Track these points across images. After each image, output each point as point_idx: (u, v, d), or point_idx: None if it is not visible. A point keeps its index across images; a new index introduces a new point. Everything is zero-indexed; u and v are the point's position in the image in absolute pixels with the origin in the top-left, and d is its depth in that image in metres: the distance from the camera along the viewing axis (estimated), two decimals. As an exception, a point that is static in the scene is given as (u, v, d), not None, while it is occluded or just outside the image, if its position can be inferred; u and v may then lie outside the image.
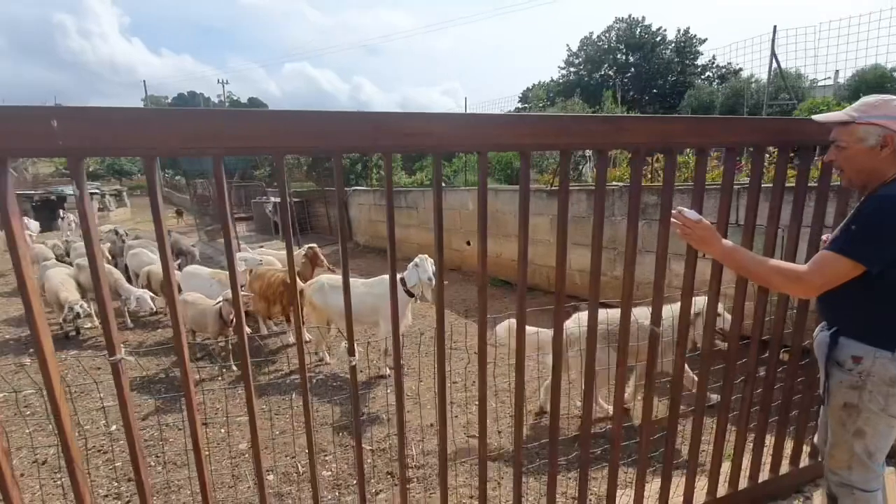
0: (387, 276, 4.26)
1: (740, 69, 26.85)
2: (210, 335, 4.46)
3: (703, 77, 32.92)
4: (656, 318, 1.66)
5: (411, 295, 4.13)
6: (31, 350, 5.07)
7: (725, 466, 2.11)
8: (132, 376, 4.19)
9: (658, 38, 34.25)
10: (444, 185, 11.32)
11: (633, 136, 1.42)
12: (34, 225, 11.19)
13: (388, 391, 3.96)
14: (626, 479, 2.53)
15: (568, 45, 37.07)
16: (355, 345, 1.52)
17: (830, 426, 1.60)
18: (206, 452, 3.04)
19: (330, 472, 2.93)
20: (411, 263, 4.11)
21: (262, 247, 8.16)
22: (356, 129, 1.24)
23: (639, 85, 33.80)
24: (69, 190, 17.81)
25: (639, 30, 34.54)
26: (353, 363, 1.47)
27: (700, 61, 33.88)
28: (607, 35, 35.50)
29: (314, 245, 5.51)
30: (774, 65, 16.38)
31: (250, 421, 1.37)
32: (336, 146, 1.25)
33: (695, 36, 33.94)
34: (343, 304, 4.84)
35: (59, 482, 2.84)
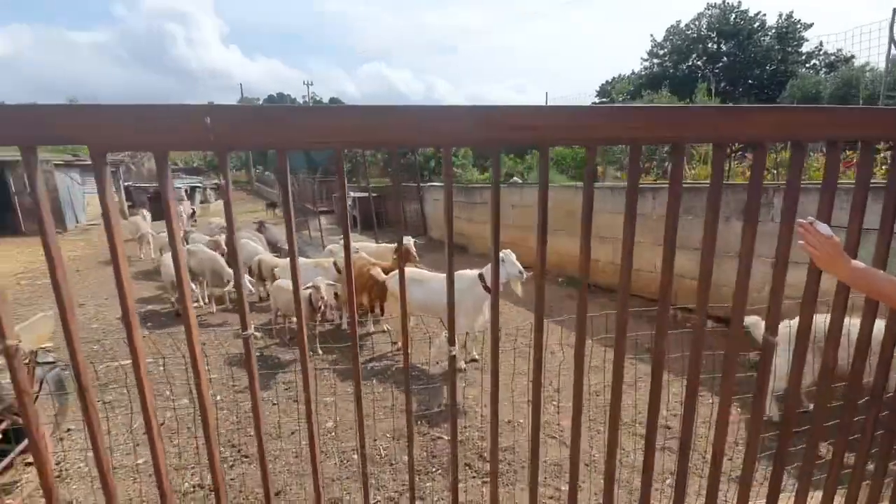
0: (466, 272, 4.31)
1: (852, 57, 23.89)
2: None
3: (807, 66, 29.76)
4: (772, 327, 1.55)
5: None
6: (150, 324, 5.73)
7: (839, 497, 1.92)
8: (233, 353, 4.60)
9: (756, 25, 31.39)
10: (519, 181, 11.03)
11: (757, 128, 1.33)
12: (148, 215, 12.54)
13: (464, 385, 4.02)
14: (725, 498, 2.38)
15: (652, 35, 34.96)
16: (443, 337, 1.56)
17: None
18: (297, 428, 3.27)
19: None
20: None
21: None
22: (465, 123, 1.27)
23: (731, 76, 31.22)
24: (178, 183, 19.79)
25: (734, 16, 31.88)
26: (453, 353, 1.52)
27: (805, 48, 30.63)
28: (697, 23, 33.13)
29: (409, 240, 5.71)
30: (893, 51, 14.43)
31: (357, 406, 1.46)
32: (447, 140, 1.29)
33: (799, 21, 30.73)
34: (423, 297, 4.93)
35: (174, 443, 3.19)
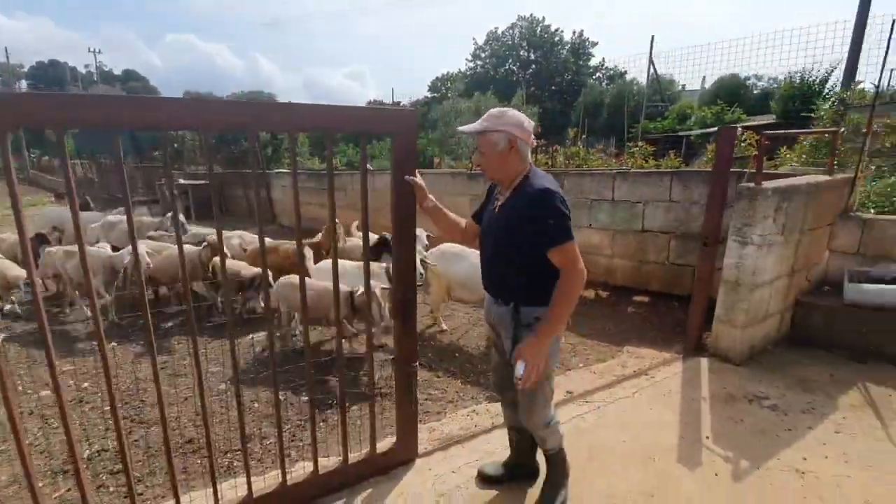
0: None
1: (625, 72, 29.87)
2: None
3: (594, 77, 36.08)
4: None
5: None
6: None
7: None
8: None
9: (556, 39, 36.76)
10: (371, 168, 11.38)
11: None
12: None
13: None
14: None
15: (475, 39, 38.42)
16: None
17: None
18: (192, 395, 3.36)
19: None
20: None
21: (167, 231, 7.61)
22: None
23: (540, 81, 36.14)
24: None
25: (539, 29, 36.78)
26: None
27: (593, 63, 37.05)
28: (511, 31, 37.33)
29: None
30: (652, 71, 18.90)
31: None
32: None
33: (588, 39, 37.04)
34: (464, 274, 5.10)
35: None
